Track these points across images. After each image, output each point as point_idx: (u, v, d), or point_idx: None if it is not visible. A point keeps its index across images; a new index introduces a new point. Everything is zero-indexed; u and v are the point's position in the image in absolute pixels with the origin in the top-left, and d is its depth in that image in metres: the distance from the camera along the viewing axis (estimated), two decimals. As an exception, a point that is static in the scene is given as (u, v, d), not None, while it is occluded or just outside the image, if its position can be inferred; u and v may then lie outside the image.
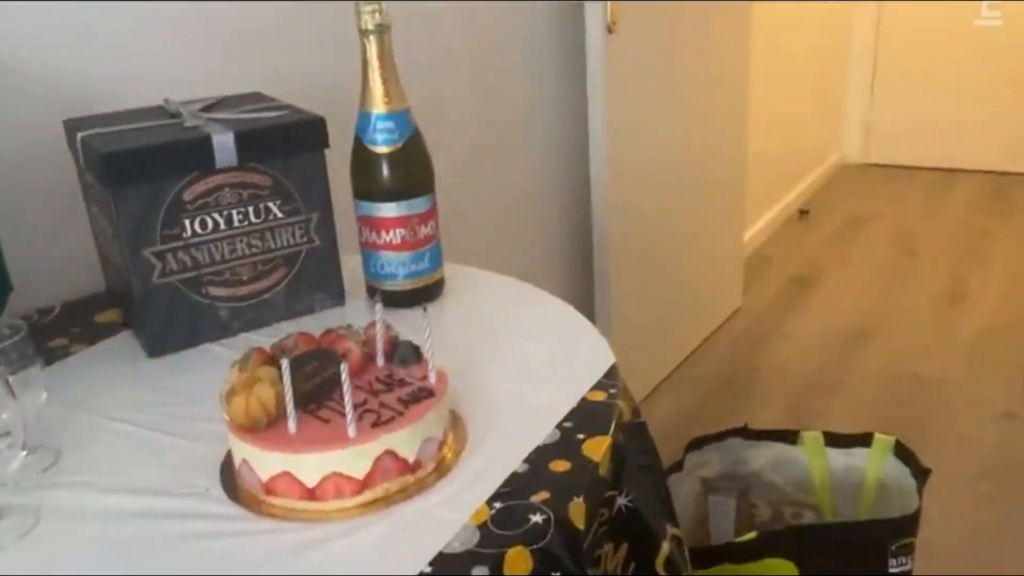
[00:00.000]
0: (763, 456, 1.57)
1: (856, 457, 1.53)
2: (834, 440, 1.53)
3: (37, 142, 1.02)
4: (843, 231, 3.42)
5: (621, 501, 0.76)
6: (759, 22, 2.67)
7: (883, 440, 1.51)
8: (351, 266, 1.00)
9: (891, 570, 1.37)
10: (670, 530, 0.82)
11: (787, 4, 3.16)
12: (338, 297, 0.99)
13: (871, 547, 1.37)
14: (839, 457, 1.54)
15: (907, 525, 1.37)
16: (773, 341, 2.60)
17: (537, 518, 0.63)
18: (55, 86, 1.04)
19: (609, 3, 1.80)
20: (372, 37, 0.89)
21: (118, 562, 0.62)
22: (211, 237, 0.90)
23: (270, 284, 0.95)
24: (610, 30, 1.84)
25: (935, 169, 4.01)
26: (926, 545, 1.38)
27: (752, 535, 1.36)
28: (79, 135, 0.90)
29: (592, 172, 1.99)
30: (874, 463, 1.52)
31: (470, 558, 0.59)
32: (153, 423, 0.78)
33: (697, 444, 1.57)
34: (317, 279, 0.97)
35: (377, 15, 0.89)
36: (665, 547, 0.80)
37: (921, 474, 1.45)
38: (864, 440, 1.52)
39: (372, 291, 0.98)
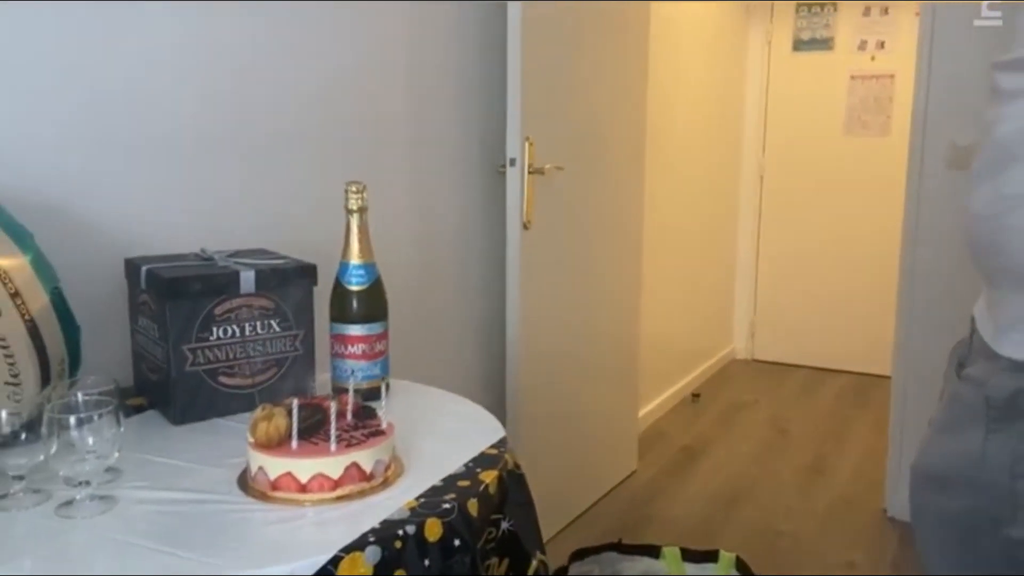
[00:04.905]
0: (634, 569, 1.92)
1: (706, 570, 1.90)
2: (689, 555, 1.90)
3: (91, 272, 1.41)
4: (728, 413, 3.91)
5: (505, 525, 1.13)
6: (649, 235, 3.27)
7: (727, 556, 1.89)
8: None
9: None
10: (538, 554, 1.18)
11: (676, 225, 3.83)
12: (310, 392, 1.37)
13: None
14: (693, 570, 1.90)
15: (739, 617, 1.73)
16: (663, 499, 2.97)
17: (446, 506, 0.99)
18: (104, 226, 1.45)
19: (525, 205, 2.32)
20: (355, 214, 1.34)
21: (170, 524, 0.96)
22: (229, 341, 1.28)
23: (264, 379, 1.33)
24: (526, 227, 2.36)
25: (810, 367, 4.61)
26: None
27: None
28: (144, 267, 1.30)
29: (508, 345, 2.42)
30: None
31: (404, 522, 0.95)
32: (187, 460, 1.13)
33: (580, 555, 1.91)
34: (297, 377, 1.35)
35: (360, 199, 1.34)
36: (535, 563, 1.15)
37: (755, 581, 1.82)
38: (712, 556, 1.90)
39: (336, 390, 1.36)
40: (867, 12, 4.40)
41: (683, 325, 4.09)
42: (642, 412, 3.50)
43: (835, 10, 4.51)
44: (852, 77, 4.47)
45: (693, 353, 4.29)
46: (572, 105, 2.59)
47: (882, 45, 4.39)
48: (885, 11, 4.34)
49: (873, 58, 4.42)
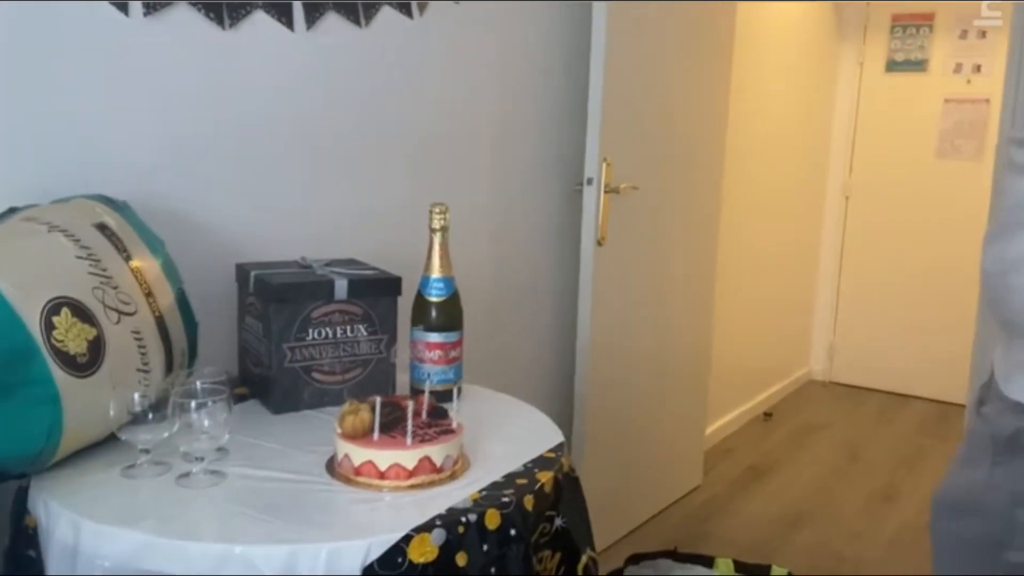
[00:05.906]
0: None
1: (758, 583, 1.97)
2: (741, 567, 1.98)
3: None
4: (799, 434, 3.92)
5: (558, 522, 1.25)
6: (726, 251, 3.32)
7: (779, 570, 1.95)
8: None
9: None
10: (588, 551, 1.29)
11: (755, 242, 3.86)
12: (391, 391, 1.52)
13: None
14: (745, 582, 1.97)
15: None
16: (725, 515, 3.03)
17: (505, 499, 1.12)
18: (220, 233, 1.63)
19: (600, 222, 2.43)
20: (438, 232, 1.48)
21: (268, 498, 1.11)
22: (323, 342, 1.45)
23: (351, 377, 1.48)
24: (600, 243, 2.47)
25: (890, 393, 4.56)
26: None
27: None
28: (252, 273, 1.47)
29: (578, 356, 2.52)
30: (772, 589, 1.96)
31: (466, 511, 1.08)
32: (283, 444, 1.29)
33: (635, 559, 2.01)
34: (380, 378, 1.50)
35: (442, 219, 1.48)
36: (584, 558, 1.27)
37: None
38: (764, 570, 1.97)
39: (413, 391, 1.51)
40: (964, 35, 4.33)
41: (759, 344, 4.12)
42: (712, 428, 3.55)
43: (931, 31, 4.45)
44: (946, 100, 4.41)
45: (768, 372, 4.31)
46: (651, 122, 2.68)
47: (978, 69, 4.31)
48: (983, 34, 4.27)
49: (969, 81, 4.35)
